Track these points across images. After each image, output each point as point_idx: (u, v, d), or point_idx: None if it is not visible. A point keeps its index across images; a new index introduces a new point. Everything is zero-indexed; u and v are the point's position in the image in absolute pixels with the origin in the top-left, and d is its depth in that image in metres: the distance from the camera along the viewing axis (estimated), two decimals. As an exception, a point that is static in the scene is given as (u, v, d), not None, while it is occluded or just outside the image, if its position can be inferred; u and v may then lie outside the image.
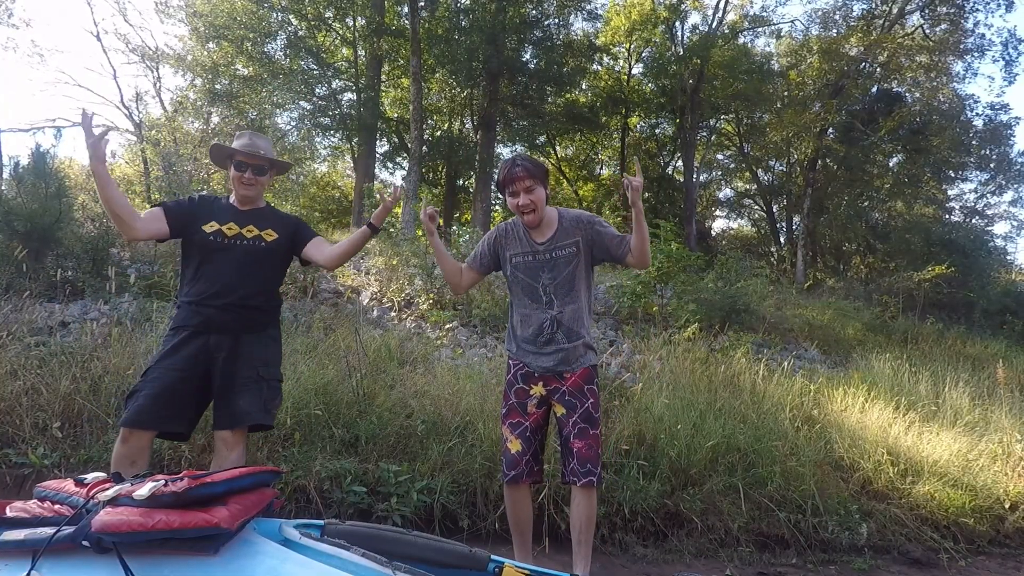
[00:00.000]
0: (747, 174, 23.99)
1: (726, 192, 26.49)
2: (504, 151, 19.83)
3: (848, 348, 8.90)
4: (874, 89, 20.11)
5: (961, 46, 18.39)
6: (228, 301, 2.49)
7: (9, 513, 1.33)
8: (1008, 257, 20.04)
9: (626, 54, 21.53)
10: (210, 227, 2.55)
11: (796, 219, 21.77)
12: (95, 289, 5.79)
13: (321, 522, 1.58)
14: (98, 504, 1.28)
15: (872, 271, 18.84)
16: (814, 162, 20.02)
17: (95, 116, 2.28)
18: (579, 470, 2.55)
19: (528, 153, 22.23)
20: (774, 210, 23.91)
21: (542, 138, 21.38)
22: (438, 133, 20.22)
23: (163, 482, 1.31)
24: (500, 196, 2.75)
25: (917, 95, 19.73)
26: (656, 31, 19.98)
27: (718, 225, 27.84)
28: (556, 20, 18.83)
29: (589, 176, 24.42)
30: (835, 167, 20.91)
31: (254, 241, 2.58)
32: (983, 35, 18.34)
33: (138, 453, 2.38)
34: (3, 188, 6.74)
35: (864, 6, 19.20)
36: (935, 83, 19.19)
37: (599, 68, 21.19)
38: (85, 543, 1.19)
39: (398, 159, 21.38)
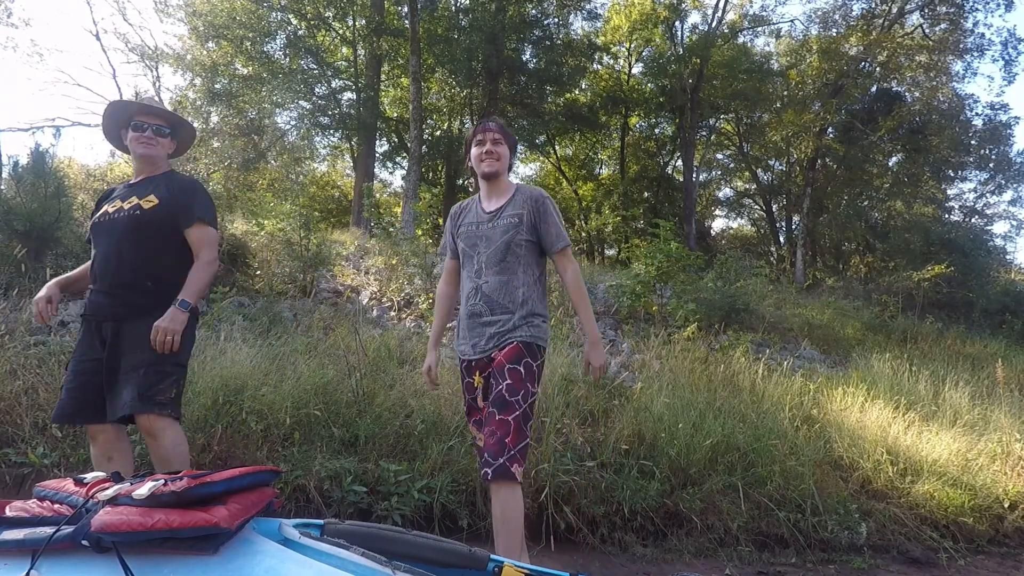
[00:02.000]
0: (747, 174, 24.00)
1: (726, 192, 26.56)
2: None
3: (847, 348, 8.91)
4: (874, 89, 20.13)
5: (961, 46, 18.41)
6: (107, 283, 2.29)
7: (9, 512, 1.33)
8: (1007, 256, 20.08)
9: (626, 54, 21.54)
10: (100, 214, 2.39)
11: (796, 219, 21.79)
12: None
13: (321, 521, 1.58)
14: (98, 503, 1.28)
15: (871, 270, 18.85)
16: (814, 162, 20.03)
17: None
18: (480, 463, 2.27)
19: (528, 153, 22.34)
20: (774, 210, 23.94)
21: (542, 138, 21.38)
22: (438, 132, 20.21)
23: (163, 481, 1.31)
24: (468, 159, 2.61)
25: (917, 95, 19.76)
26: (656, 31, 19.99)
27: (718, 225, 27.91)
28: (556, 19, 18.85)
29: (589, 176, 24.40)
30: (835, 167, 20.93)
31: (130, 211, 2.29)
32: (983, 35, 18.40)
33: (111, 449, 2.31)
34: (2, 188, 6.73)
35: (864, 6, 19.22)
36: (935, 83, 19.21)
37: (599, 68, 21.19)
38: (85, 542, 1.19)
39: (398, 158, 21.39)
